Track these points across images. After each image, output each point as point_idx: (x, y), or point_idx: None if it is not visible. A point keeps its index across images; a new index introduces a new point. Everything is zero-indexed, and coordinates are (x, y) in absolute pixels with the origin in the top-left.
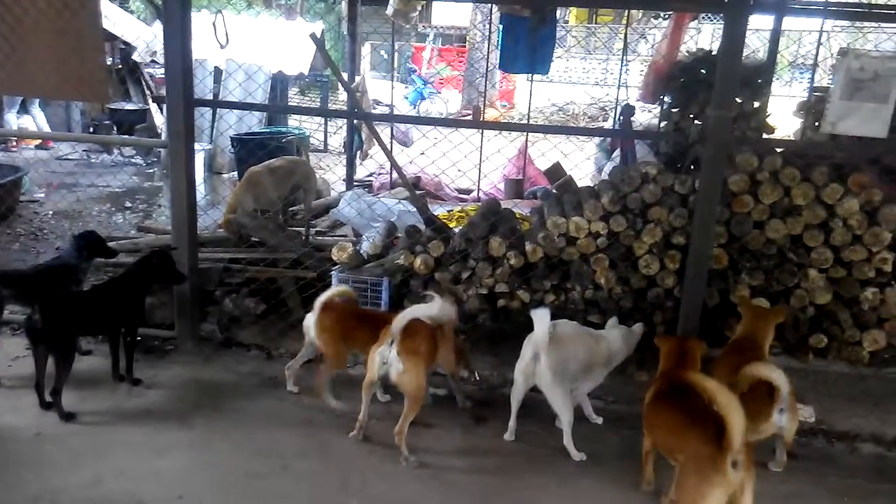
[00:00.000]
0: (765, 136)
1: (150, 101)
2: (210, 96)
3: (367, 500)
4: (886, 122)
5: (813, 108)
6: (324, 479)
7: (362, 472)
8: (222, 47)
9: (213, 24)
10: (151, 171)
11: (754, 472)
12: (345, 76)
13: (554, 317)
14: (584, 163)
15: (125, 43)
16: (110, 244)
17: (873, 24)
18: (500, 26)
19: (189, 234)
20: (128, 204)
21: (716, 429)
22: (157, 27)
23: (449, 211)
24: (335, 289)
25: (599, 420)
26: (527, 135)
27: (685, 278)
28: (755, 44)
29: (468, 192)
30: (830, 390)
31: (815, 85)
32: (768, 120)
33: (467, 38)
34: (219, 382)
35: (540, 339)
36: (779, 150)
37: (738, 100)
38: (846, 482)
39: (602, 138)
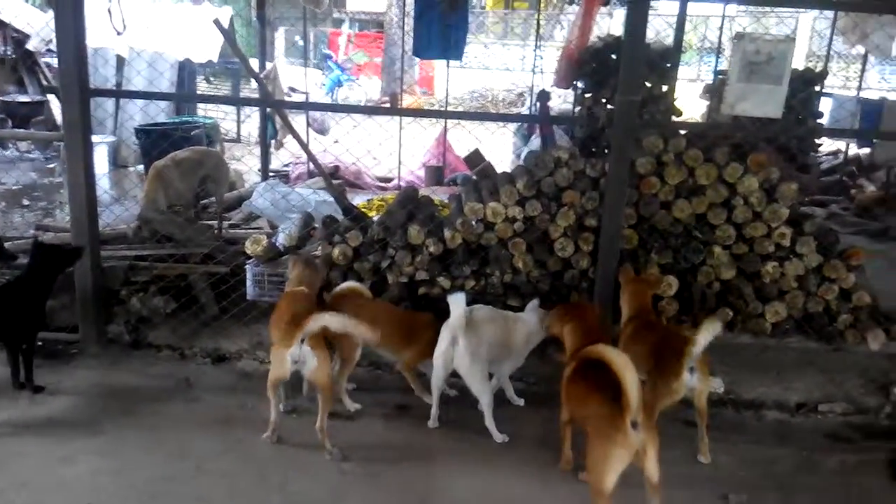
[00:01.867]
0: (674, 118)
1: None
2: (112, 86)
3: (288, 497)
4: (781, 102)
5: (717, 90)
6: (242, 478)
7: (282, 469)
8: (119, 34)
9: (109, 10)
10: (51, 166)
11: (657, 435)
12: (255, 63)
13: (474, 302)
14: (502, 149)
15: (17, 31)
16: (6, 245)
17: (768, 8)
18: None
19: (90, 231)
20: (26, 202)
21: (615, 393)
22: (52, 14)
23: (369, 200)
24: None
25: (521, 402)
26: (445, 122)
27: (598, 259)
28: (664, 29)
29: (389, 180)
30: (737, 361)
31: (719, 69)
32: (676, 103)
33: (384, 23)
34: (128, 386)
35: (456, 324)
36: (683, 132)
37: (647, 84)
38: (753, 448)
39: (519, 124)
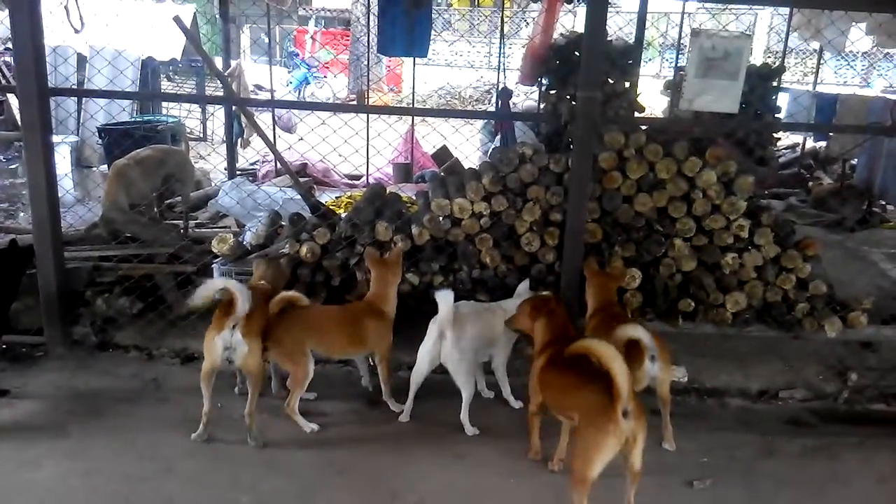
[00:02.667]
0: (636, 114)
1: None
2: (72, 85)
3: (260, 496)
4: (737, 98)
5: (678, 86)
6: (212, 478)
7: (253, 468)
8: (77, 31)
9: (66, 7)
10: (13, 167)
11: (645, 422)
12: (220, 61)
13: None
14: (469, 145)
15: None
16: None
17: (724, 5)
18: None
19: (52, 232)
20: None
21: (605, 383)
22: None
23: (337, 197)
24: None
25: (518, 404)
26: (412, 119)
27: (563, 253)
28: (625, 25)
29: (357, 178)
30: (700, 351)
31: (680, 65)
32: (639, 99)
33: (350, 20)
34: (96, 387)
35: (445, 319)
36: (644, 127)
37: (609, 80)
38: (717, 435)
39: (486, 121)
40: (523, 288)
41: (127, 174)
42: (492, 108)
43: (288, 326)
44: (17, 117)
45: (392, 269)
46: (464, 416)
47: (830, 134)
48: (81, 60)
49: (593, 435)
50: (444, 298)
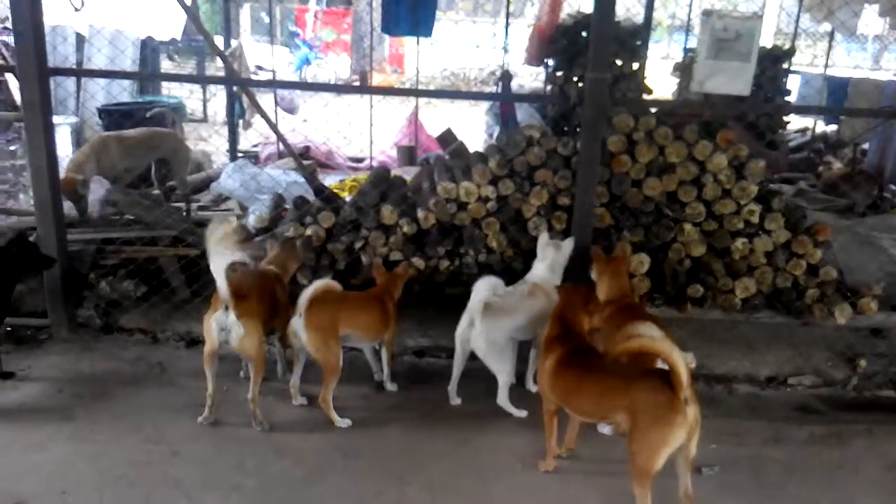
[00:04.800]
0: (644, 96)
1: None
2: (72, 64)
3: (266, 479)
4: (749, 79)
5: (687, 68)
6: (218, 461)
7: (259, 452)
8: (77, 10)
9: None
10: (13, 148)
11: (699, 407)
12: (220, 40)
13: (452, 283)
14: (474, 128)
15: None
16: None
17: None
18: None
19: (54, 214)
20: None
21: (655, 378)
22: None
23: (341, 180)
24: (318, 283)
25: (536, 388)
26: (416, 100)
27: (571, 237)
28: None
29: (360, 160)
30: (708, 336)
31: (689, 46)
32: (647, 81)
33: None
34: (101, 370)
35: (473, 308)
36: (653, 110)
37: (617, 62)
38: (725, 421)
39: (491, 103)
40: (545, 238)
41: (106, 146)
42: (497, 90)
43: (322, 312)
44: (17, 98)
45: (396, 281)
46: (502, 400)
47: (842, 118)
48: (80, 40)
49: (660, 430)
50: (478, 287)
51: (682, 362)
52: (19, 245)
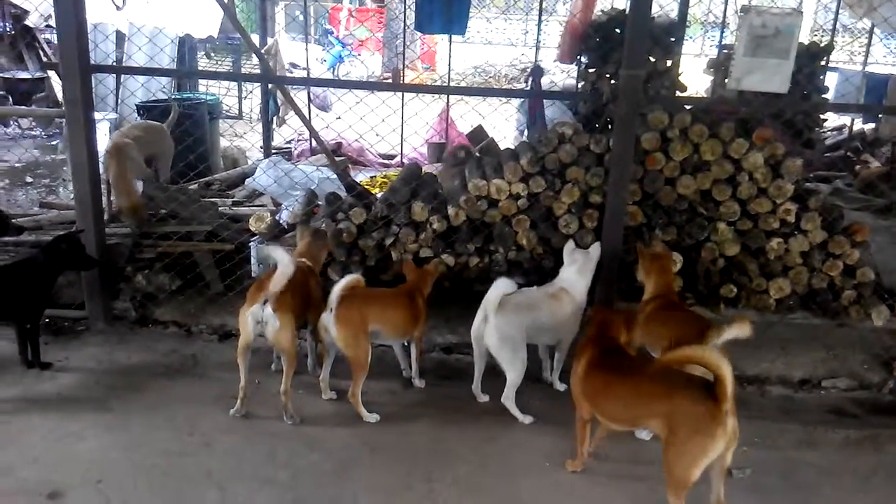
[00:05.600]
0: (678, 93)
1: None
2: (112, 62)
3: (296, 472)
4: (787, 77)
5: (722, 65)
6: (250, 453)
7: (290, 445)
8: (119, 9)
9: None
10: (54, 143)
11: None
12: (256, 38)
13: (481, 280)
14: (505, 125)
15: (15, 6)
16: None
17: None
18: None
19: (94, 208)
20: (29, 179)
21: (696, 387)
22: None
23: (372, 177)
24: (348, 279)
25: (563, 387)
26: (448, 97)
27: (602, 236)
28: (668, 3)
29: (391, 157)
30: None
31: (723, 42)
32: (681, 78)
33: None
34: (136, 362)
35: (489, 302)
36: (688, 107)
37: (651, 59)
38: (757, 423)
39: (522, 100)
40: (570, 247)
41: (129, 154)
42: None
43: (353, 308)
44: (59, 94)
45: (426, 278)
46: (507, 399)
47: (880, 116)
48: (119, 38)
49: (701, 441)
50: (496, 284)
51: (730, 375)
52: (68, 242)
